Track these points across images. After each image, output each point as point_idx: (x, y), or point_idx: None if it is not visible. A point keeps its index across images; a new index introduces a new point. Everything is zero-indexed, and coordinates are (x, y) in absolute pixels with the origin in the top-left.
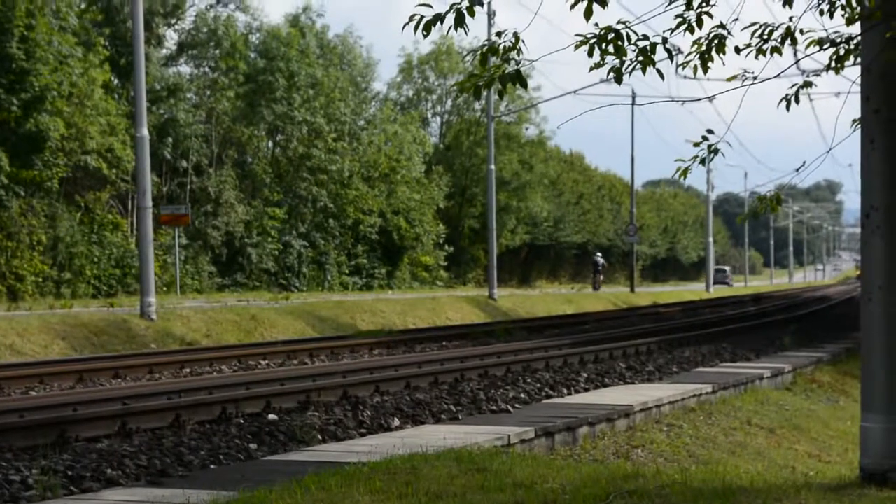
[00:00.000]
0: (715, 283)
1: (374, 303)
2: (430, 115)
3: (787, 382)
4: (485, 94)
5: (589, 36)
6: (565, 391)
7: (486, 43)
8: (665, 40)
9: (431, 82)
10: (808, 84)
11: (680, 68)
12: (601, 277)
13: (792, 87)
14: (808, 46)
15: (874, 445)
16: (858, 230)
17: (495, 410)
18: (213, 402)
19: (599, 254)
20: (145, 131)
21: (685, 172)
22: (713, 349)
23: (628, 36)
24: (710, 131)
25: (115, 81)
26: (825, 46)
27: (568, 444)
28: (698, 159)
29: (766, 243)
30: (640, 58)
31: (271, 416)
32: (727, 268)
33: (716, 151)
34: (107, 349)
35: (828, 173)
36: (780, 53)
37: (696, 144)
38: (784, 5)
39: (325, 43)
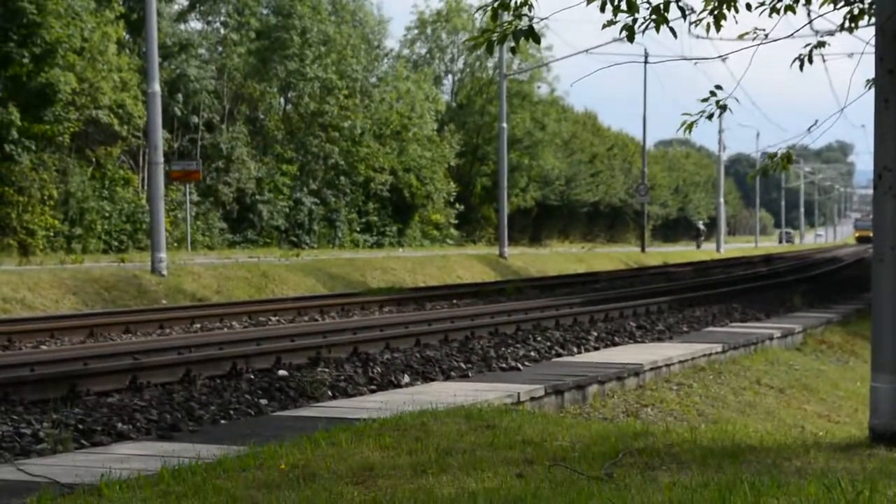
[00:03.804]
0: (781, 241)
1: (384, 260)
2: (442, 73)
3: (797, 343)
4: (497, 50)
5: None
6: (575, 349)
7: None
8: None
9: (444, 40)
10: (821, 44)
11: (693, 26)
12: (702, 238)
13: (805, 46)
14: (821, 5)
15: (884, 406)
16: (870, 192)
17: (505, 368)
18: (224, 357)
19: (701, 222)
20: (157, 87)
21: (690, 127)
22: (723, 309)
23: None
24: (718, 87)
25: (127, 37)
26: (839, 5)
27: (578, 403)
28: (705, 114)
29: (776, 204)
30: (653, 16)
31: (282, 372)
32: (791, 230)
33: (724, 108)
34: (117, 304)
35: (840, 134)
36: (794, 12)
37: (704, 100)
38: None
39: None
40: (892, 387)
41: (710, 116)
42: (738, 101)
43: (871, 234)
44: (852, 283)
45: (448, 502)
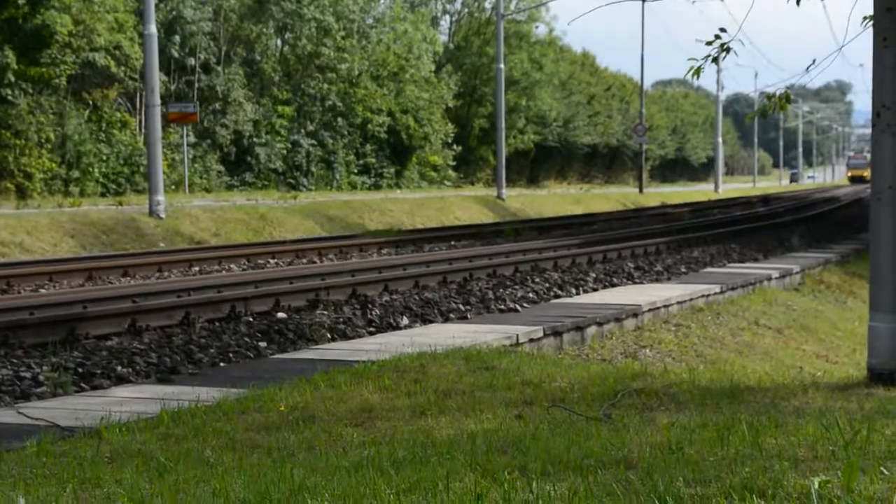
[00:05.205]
0: (791, 181)
1: (382, 202)
2: (439, 14)
3: (795, 283)
4: None
5: None
6: (574, 291)
7: None
8: None
9: None
10: None
11: None
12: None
13: None
14: None
15: (882, 345)
16: (868, 131)
17: (504, 310)
18: (222, 300)
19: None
20: (153, 28)
21: (698, 72)
22: (721, 250)
23: None
24: (722, 30)
25: None
26: None
27: (576, 344)
28: (710, 58)
29: (775, 144)
30: None
31: (280, 315)
32: (798, 170)
33: (728, 50)
34: (116, 248)
35: (838, 73)
36: None
37: (709, 43)
38: None
39: None
40: (890, 326)
41: (716, 60)
42: (742, 43)
43: (863, 174)
44: (850, 222)
45: (447, 443)
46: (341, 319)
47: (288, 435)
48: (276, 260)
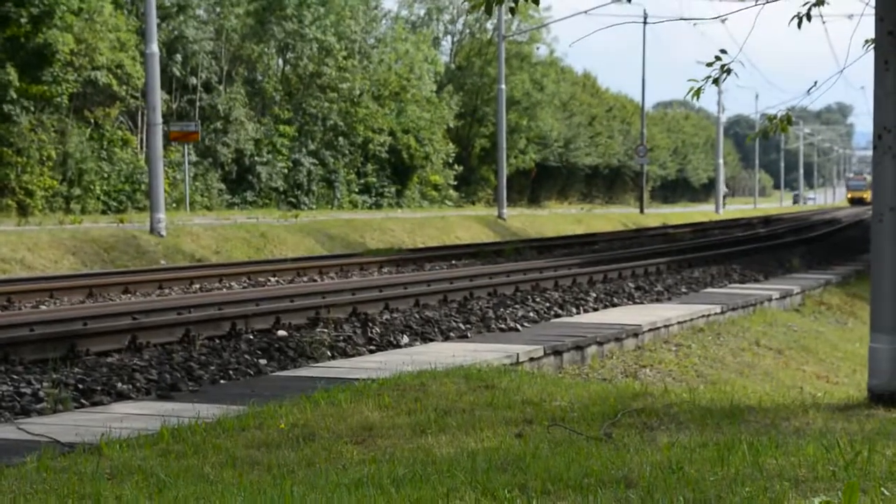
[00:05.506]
0: (794, 202)
1: (383, 221)
2: (441, 35)
3: (795, 304)
4: (496, 10)
5: None
6: (574, 310)
7: None
8: None
9: (443, 1)
10: (820, 2)
11: None
12: (725, 201)
13: (804, 4)
14: None
15: (882, 366)
16: (869, 153)
17: (504, 329)
18: (223, 317)
19: (724, 184)
20: (155, 47)
21: (698, 93)
22: (722, 270)
23: None
24: (723, 51)
25: None
26: None
27: (576, 363)
28: (711, 79)
29: (776, 165)
30: None
31: (281, 332)
32: (799, 191)
33: (728, 72)
34: (116, 265)
35: (839, 96)
36: None
37: (709, 64)
38: None
39: None
40: (891, 347)
41: (716, 81)
42: (743, 65)
43: (863, 195)
44: (851, 244)
45: (447, 462)
46: (342, 337)
47: (288, 452)
48: (276, 278)
